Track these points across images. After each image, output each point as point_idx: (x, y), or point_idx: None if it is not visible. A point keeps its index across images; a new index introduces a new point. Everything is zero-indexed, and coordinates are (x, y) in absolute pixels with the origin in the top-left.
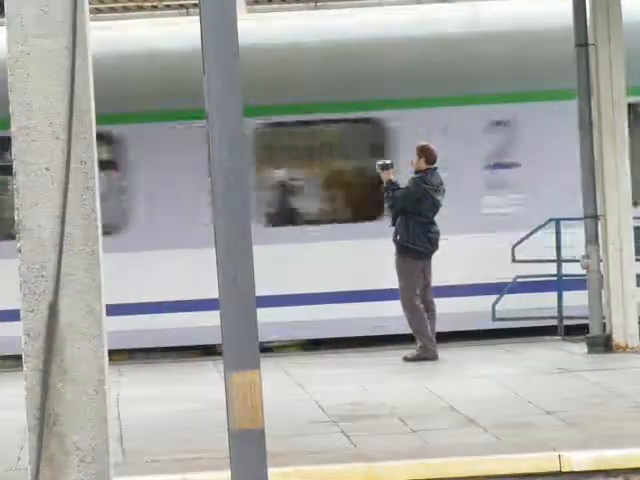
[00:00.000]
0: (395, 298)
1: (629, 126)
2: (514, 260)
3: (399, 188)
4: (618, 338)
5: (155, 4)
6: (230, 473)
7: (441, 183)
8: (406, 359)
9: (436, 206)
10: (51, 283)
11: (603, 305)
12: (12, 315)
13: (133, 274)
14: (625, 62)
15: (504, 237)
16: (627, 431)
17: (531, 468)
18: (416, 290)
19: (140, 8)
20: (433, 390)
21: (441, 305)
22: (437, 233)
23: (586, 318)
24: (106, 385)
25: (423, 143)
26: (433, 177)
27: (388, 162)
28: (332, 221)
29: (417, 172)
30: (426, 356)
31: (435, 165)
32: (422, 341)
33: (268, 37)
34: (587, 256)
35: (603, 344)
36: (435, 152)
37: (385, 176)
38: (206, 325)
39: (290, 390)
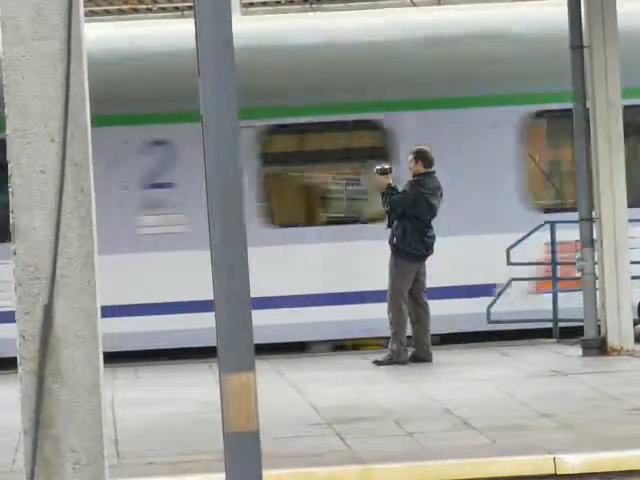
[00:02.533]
0: None
1: None
2: (509, 263)
3: (398, 192)
4: (613, 341)
5: (150, 7)
6: (225, 475)
7: (438, 187)
8: (377, 362)
9: (433, 210)
10: (46, 285)
11: (598, 308)
12: None
13: None
14: None
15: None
16: (622, 433)
17: (526, 471)
18: (405, 294)
19: (135, 11)
20: (428, 393)
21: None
22: (433, 237)
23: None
24: (101, 387)
25: (420, 147)
26: (430, 181)
27: (387, 167)
28: None
29: (414, 176)
30: (398, 360)
31: (432, 169)
32: (396, 345)
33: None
34: (582, 258)
35: (598, 347)
36: (431, 156)
37: (384, 180)
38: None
39: (285, 392)
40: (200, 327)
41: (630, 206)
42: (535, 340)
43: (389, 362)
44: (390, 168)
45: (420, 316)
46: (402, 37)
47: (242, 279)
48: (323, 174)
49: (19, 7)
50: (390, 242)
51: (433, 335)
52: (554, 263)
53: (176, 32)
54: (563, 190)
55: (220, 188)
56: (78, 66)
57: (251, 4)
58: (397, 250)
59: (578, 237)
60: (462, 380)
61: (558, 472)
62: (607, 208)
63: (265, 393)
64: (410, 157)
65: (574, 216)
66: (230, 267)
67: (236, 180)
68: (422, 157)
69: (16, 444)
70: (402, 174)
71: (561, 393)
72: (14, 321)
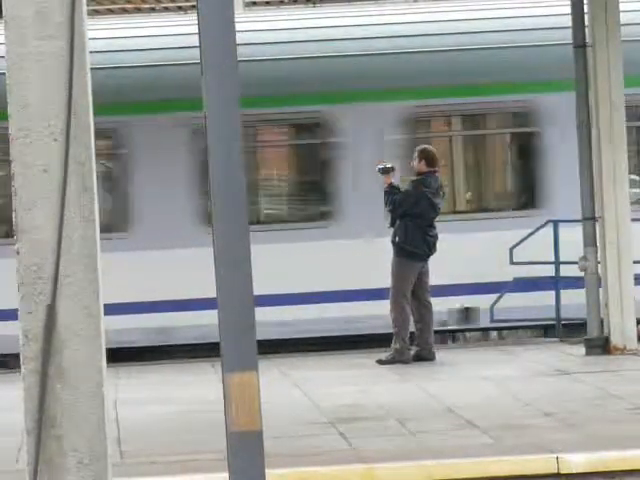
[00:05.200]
0: None
1: None
2: (512, 262)
3: (400, 191)
4: (616, 340)
5: (153, 6)
6: (228, 475)
7: (440, 186)
8: (380, 362)
9: (435, 209)
10: (49, 285)
11: (601, 307)
12: None
13: None
14: None
15: None
16: (625, 433)
17: (529, 470)
18: (407, 293)
19: (138, 10)
20: (431, 392)
21: None
22: (435, 236)
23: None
24: (104, 387)
25: (424, 146)
26: (432, 180)
27: (389, 166)
28: None
29: (417, 175)
30: (401, 359)
31: (435, 168)
32: (399, 344)
33: None
34: (585, 258)
35: (601, 346)
36: (436, 155)
37: (386, 180)
38: None
39: (288, 391)
40: None
41: None
42: (538, 339)
43: (392, 361)
44: (392, 167)
45: (423, 315)
46: None
47: (245, 278)
48: None
49: (22, 6)
50: (392, 241)
51: None
52: (556, 262)
53: None
54: None
55: (223, 187)
56: (81, 65)
57: (254, 3)
58: (399, 249)
59: None
60: (465, 379)
61: (561, 471)
62: (610, 207)
63: (268, 392)
64: (414, 155)
65: None
66: (233, 266)
67: (239, 179)
68: (426, 156)
69: (19, 443)
70: None
71: (564, 392)
72: None
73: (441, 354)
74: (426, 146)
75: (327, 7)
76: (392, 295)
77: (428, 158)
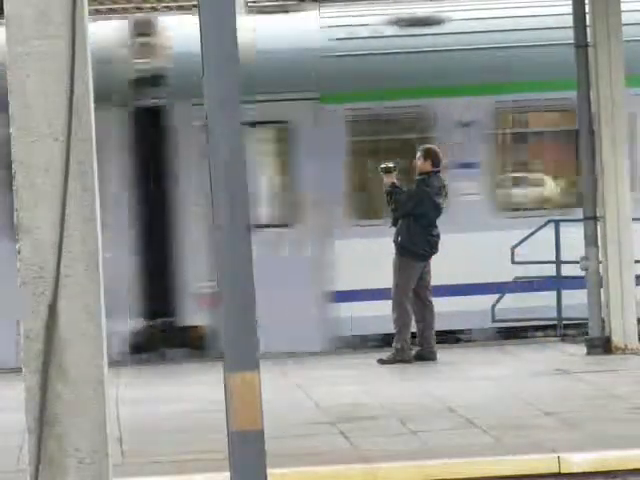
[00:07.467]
0: None
1: None
2: (513, 262)
3: (402, 191)
4: (617, 339)
5: (154, 5)
6: (229, 474)
7: (443, 186)
8: (382, 361)
9: (438, 209)
10: (50, 284)
11: (602, 306)
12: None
13: None
14: None
15: None
16: (626, 432)
17: (530, 469)
18: (409, 292)
19: (138, 9)
20: (432, 391)
21: None
22: (437, 236)
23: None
24: (105, 386)
25: (429, 145)
26: (435, 180)
27: (391, 165)
28: None
29: (420, 174)
30: (402, 358)
31: (438, 168)
32: (400, 343)
33: None
34: (586, 258)
35: (602, 345)
36: (441, 155)
37: (388, 179)
38: None
39: (289, 391)
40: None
41: None
42: (539, 339)
43: (393, 361)
44: (394, 167)
45: (425, 315)
46: None
47: (247, 279)
48: None
49: (23, 6)
50: (395, 241)
51: None
52: (558, 262)
53: None
54: None
55: (225, 189)
56: (82, 65)
57: (255, 2)
58: (402, 249)
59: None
60: (466, 379)
61: (562, 471)
62: (611, 207)
63: (269, 392)
64: (418, 154)
65: None
66: (235, 267)
67: (241, 181)
68: (431, 156)
69: (20, 443)
70: None
71: (565, 392)
72: None
73: (442, 354)
74: (431, 145)
75: None
76: (394, 294)
77: (434, 158)
